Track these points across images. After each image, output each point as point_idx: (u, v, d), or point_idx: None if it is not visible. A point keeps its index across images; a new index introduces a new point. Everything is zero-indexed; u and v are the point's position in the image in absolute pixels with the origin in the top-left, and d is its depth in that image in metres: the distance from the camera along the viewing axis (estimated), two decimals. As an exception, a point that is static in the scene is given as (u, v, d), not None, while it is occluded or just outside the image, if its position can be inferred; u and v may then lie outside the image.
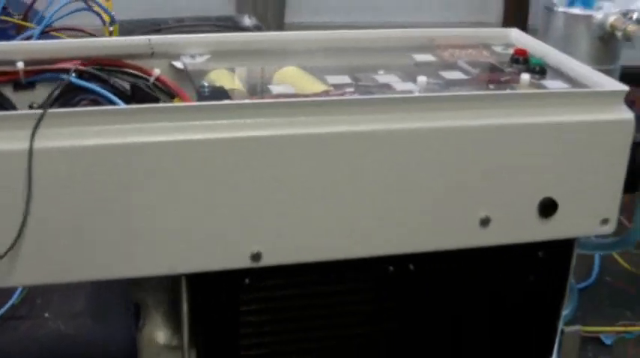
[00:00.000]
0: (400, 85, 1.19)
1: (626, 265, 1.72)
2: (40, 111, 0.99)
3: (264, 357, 1.17)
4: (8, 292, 1.62)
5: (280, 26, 3.02)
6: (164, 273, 1.09)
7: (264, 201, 1.06)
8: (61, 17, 1.54)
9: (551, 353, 1.27)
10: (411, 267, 1.16)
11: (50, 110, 0.99)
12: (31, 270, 1.03)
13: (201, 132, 1.02)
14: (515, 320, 1.24)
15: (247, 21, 2.21)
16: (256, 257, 1.07)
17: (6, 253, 0.99)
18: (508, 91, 1.18)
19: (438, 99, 1.11)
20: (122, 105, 1.08)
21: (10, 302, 1.57)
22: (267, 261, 1.08)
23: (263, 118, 1.04)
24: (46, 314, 1.59)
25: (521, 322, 1.24)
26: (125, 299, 1.60)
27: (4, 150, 0.97)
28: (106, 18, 1.68)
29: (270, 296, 1.13)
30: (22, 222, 0.99)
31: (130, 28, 1.81)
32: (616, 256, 1.73)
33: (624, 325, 1.54)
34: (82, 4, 1.59)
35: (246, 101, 1.10)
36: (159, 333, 1.25)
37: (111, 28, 1.67)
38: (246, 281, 1.11)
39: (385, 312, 1.19)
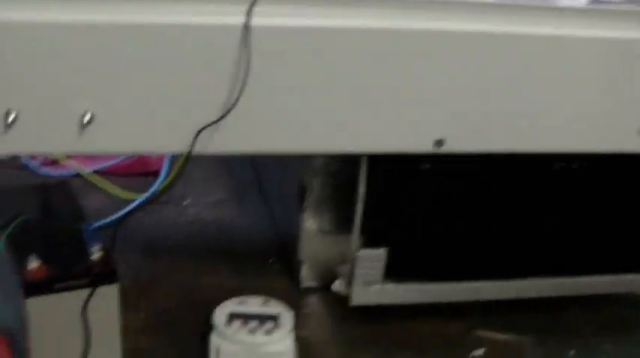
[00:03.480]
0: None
1: None
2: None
3: (433, 241, 1.24)
4: (145, 180, 1.69)
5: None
6: (349, 152, 1.15)
7: (452, 89, 1.11)
8: None
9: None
10: (575, 165, 1.22)
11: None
12: (237, 138, 1.10)
13: (399, 22, 1.08)
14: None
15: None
16: (439, 143, 1.13)
17: (221, 119, 1.05)
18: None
19: (603, 12, 1.16)
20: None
21: (153, 188, 1.63)
22: (449, 147, 1.14)
23: (456, 15, 1.10)
24: (185, 202, 1.65)
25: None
26: (259, 191, 1.67)
27: (222, 24, 1.03)
28: None
29: (445, 183, 1.20)
30: (239, 90, 1.04)
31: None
32: None
33: None
34: None
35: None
36: (320, 217, 1.31)
37: None
38: (426, 166, 1.16)
39: (545, 206, 1.26)
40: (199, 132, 1.06)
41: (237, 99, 1.04)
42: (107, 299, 1.10)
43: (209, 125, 1.06)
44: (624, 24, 1.16)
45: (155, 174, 1.68)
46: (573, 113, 1.17)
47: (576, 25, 1.14)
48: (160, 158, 1.70)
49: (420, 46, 1.08)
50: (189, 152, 1.07)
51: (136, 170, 1.72)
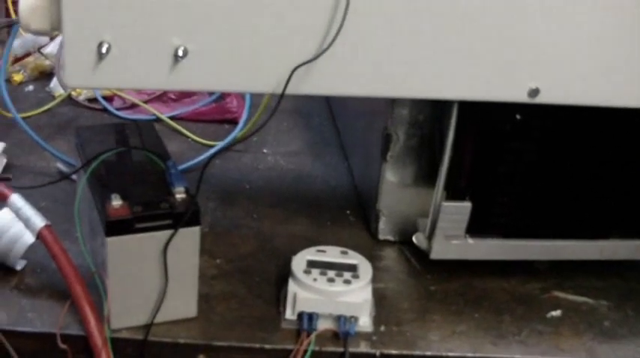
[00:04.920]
0: None
1: None
2: None
3: (519, 196, 1.22)
4: (224, 128, 1.69)
5: None
6: (441, 97, 1.14)
7: (551, 38, 1.09)
8: None
9: None
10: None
11: None
12: (332, 79, 1.09)
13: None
14: None
15: None
16: (534, 93, 1.10)
17: (318, 56, 1.04)
18: None
19: None
20: None
21: (232, 135, 1.63)
22: (544, 98, 1.11)
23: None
24: (265, 150, 1.65)
25: None
26: (338, 144, 1.66)
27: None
28: None
29: (536, 137, 1.17)
30: (338, 26, 1.03)
31: None
32: None
33: None
34: None
35: None
36: (403, 168, 1.30)
37: None
38: (518, 116, 1.14)
39: (633, 163, 1.23)
40: (294, 69, 1.05)
41: (335, 38, 1.03)
42: (188, 241, 1.10)
43: (305, 63, 1.05)
44: None
45: (232, 122, 1.69)
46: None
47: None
48: (239, 106, 1.70)
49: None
50: (284, 90, 1.06)
51: (214, 117, 1.72)
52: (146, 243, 1.08)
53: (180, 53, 1.03)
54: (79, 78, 1.05)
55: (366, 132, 1.42)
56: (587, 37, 1.09)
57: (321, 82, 1.08)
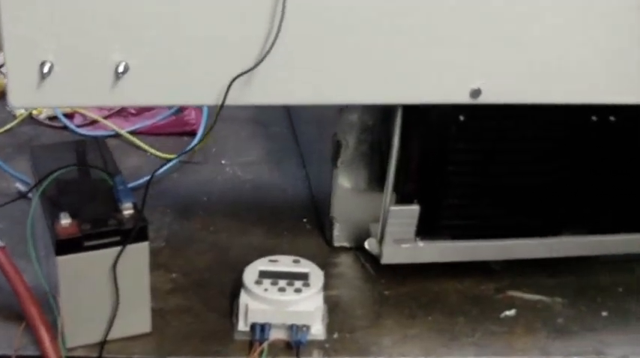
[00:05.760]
0: None
1: None
2: None
3: (466, 197, 1.22)
4: (182, 140, 1.69)
5: None
6: (383, 102, 1.15)
7: (490, 38, 1.09)
8: None
9: None
10: (612, 118, 1.19)
11: None
12: (270, 88, 1.09)
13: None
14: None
15: None
16: (476, 93, 1.11)
17: (256, 66, 1.05)
18: None
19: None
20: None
21: (189, 147, 1.64)
22: (486, 98, 1.12)
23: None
24: (223, 161, 1.65)
25: None
26: (296, 153, 1.66)
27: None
28: None
29: (481, 135, 1.18)
30: (274, 36, 1.04)
31: None
32: None
33: None
34: None
35: None
36: (354, 174, 1.30)
37: None
38: (461, 117, 1.14)
39: (581, 160, 1.24)
40: (233, 81, 1.06)
41: (272, 46, 1.04)
42: (137, 257, 1.10)
43: (243, 73, 1.06)
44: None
45: (192, 134, 1.69)
46: (613, 64, 1.14)
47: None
48: (197, 117, 1.70)
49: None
50: (223, 101, 1.06)
51: (173, 130, 1.72)
52: (96, 261, 1.09)
53: (121, 69, 1.04)
54: (24, 98, 1.05)
55: (319, 139, 1.42)
56: (524, 36, 1.10)
57: (261, 92, 1.08)
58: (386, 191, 1.21)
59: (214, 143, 1.67)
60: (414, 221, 1.20)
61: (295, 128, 1.72)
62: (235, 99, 1.07)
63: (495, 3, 1.08)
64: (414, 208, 1.20)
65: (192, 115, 1.72)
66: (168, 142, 1.69)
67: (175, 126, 1.73)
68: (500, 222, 1.25)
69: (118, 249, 1.08)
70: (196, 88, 1.08)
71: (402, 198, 1.21)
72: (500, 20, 1.09)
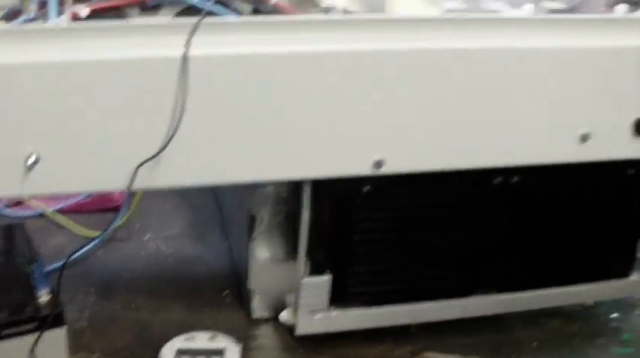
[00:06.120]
0: (508, 11, 1.26)
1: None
2: (195, 19, 1.06)
3: (376, 263, 1.26)
4: (108, 217, 1.71)
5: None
6: (289, 178, 1.18)
7: (388, 112, 1.14)
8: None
9: (631, 268, 1.38)
10: (515, 179, 1.24)
11: (205, 20, 1.06)
12: (176, 172, 1.12)
13: (328, 45, 1.11)
14: (602, 235, 1.34)
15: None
16: (378, 164, 1.15)
17: (159, 152, 1.07)
18: (608, 15, 1.25)
19: (547, 22, 1.19)
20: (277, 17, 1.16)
21: (113, 225, 1.65)
22: (388, 169, 1.16)
23: (391, 33, 1.12)
24: (146, 237, 1.67)
25: (606, 237, 1.34)
26: (218, 223, 1.69)
27: (161, 56, 1.05)
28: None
29: (386, 205, 1.21)
30: (176, 123, 1.07)
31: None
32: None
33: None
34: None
35: (383, 16, 1.19)
36: (270, 246, 1.33)
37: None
38: (367, 188, 1.18)
39: (487, 221, 1.28)
40: (138, 167, 1.08)
41: (174, 132, 1.07)
42: (55, 342, 1.12)
43: (147, 160, 1.08)
44: (566, 33, 1.19)
45: (117, 209, 1.71)
46: (512, 126, 1.20)
47: (518, 35, 1.17)
48: (121, 194, 1.72)
49: (352, 66, 1.11)
50: (129, 188, 1.08)
51: (99, 207, 1.74)
52: (13, 349, 1.09)
53: (32, 160, 1.06)
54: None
55: (239, 211, 1.44)
56: (422, 107, 1.15)
57: (168, 175, 1.11)
58: (299, 262, 1.23)
59: (139, 218, 1.68)
60: (326, 291, 1.23)
61: (219, 199, 1.74)
62: (144, 183, 1.10)
63: (390, 76, 1.12)
64: (325, 278, 1.23)
65: (115, 192, 1.74)
66: (93, 219, 1.70)
67: (99, 204, 1.75)
68: (411, 286, 1.28)
69: (35, 335, 1.09)
70: (104, 176, 1.10)
71: (315, 268, 1.24)
72: (398, 93, 1.13)
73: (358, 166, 1.16)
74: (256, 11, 1.24)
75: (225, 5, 1.22)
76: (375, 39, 1.11)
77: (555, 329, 1.42)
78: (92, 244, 1.55)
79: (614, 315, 1.47)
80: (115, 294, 1.45)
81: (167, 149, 1.08)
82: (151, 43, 1.05)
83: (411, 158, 1.17)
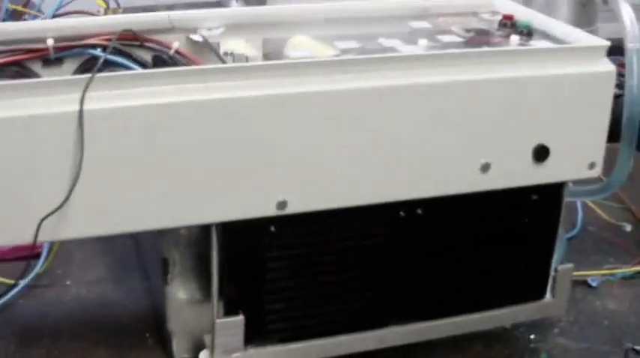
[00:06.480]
0: (404, 47, 1.29)
1: (606, 216, 1.85)
2: (88, 75, 1.08)
3: (289, 301, 1.27)
4: (30, 265, 1.70)
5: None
6: (196, 223, 1.20)
7: (287, 154, 1.16)
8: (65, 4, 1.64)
9: (545, 289, 1.39)
10: (420, 211, 1.26)
11: (98, 74, 1.08)
12: (80, 223, 1.13)
13: (227, 92, 1.13)
14: (514, 260, 1.37)
15: (235, 4, 2.29)
16: (282, 205, 1.17)
17: (61, 206, 1.09)
18: (503, 48, 1.29)
19: (442, 56, 1.23)
20: (166, 68, 1.19)
21: (34, 272, 1.65)
22: (292, 208, 1.18)
23: (290, 77, 1.15)
24: (68, 282, 1.67)
25: (518, 261, 1.37)
26: (139, 265, 1.70)
27: (57, 112, 1.07)
28: (102, 5, 1.79)
29: (294, 242, 1.23)
30: (76, 176, 1.08)
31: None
32: (598, 209, 1.87)
33: (609, 269, 1.67)
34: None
35: (278, 61, 1.22)
36: (186, 287, 1.34)
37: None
38: (272, 228, 1.20)
39: (396, 253, 1.30)
40: (41, 221, 1.09)
41: (74, 185, 1.08)
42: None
43: (49, 214, 1.09)
44: (464, 66, 1.23)
45: (37, 257, 1.70)
46: (413, 160, 1.23)
47: (415, 71, 1.21)
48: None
49: (249, 112, 1.14)
50: (35, 241, 1.10)
51: (18, 254, 1.73)
52: None
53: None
54: None
55: (153, 254, 1.45)
56: (320, 148, 1.18)
57: (74, 227, 1.13)
58: (212, 303, 1.24)
59: (60, 263, 1.68)
60: (241, 330, 1.24)
61: (137, 241, 1.75)
62: (50, 235, 1.12)
63: (288, 119, 1.16)
64: (239, 319, 1.24)
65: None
66: (14, 267, 1.69)
67: (20, 251, 1.74)
68: (326, 320, 1.30)
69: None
70: (11, 230, 1.12)
71: (229, 308, 1.25)
72: (295, 134, 1.16)
73: (262, 208, 1.19)
74: (157, 59, 1.26)
75: (126, 55, 1.24)
76: (273, 84, 1.14)
77: (477, 352, 1.45)
78: (13, 292, 1.54)
79: (533, 336, 1.49)
80: (38, 342, 1.45)
81: (69, 201, 1.09)
82: (45, 99, 1.07)
83: (313, 197, 1.20)
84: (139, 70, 1.18)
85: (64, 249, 1.61)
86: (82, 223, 1.12)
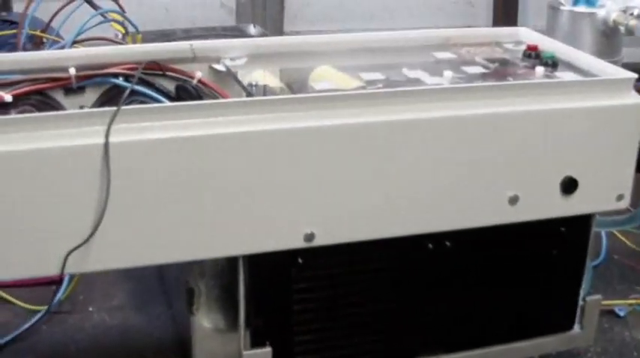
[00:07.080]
0: (429, 79, 1.29)
1: (630, 244, 1.84)
2: (113, 108, 1.08)
3: (316, 332, 1.26)
4: (51, 290, 1.70)
5: (280, 34, 3.11)
6: (224, 255, 1.20)
7: (315, 186, 1.16)
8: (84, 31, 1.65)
9: (574, 320, 1.38)
10: (448, 243, 1.26)
11: (124, 107, 1.08)
12: (106, 256, 1.13)
13: (253, 125, 1.14)
14: (542, 291, 1.36)
15: (252, 30, 2.31)
16: (309, 237, 1.17)
17: (88, 239, 1.08)
18: (531, 81, 1.28)
19: (471, 89, 1.23)
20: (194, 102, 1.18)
21: (57, 298, 1.65)
22: (320, 241, 1.18)
23: (318, 110, 1.15)
24: (90, 308, 1.67)
25: (546, 292, 1.36)
26: (162, 291, 1.69)
27: (83, 144, 1.07)
28: (121, 30, 1.79)
29: (322, 274, 1.23)
30: (102, 209, 1.08)
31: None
32: (622, 237, 1.86)
33: (636, 298, 1.66)
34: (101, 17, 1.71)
35: (305, 95, 1.22)
36: (211, 318, 1.33)
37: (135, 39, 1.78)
38: (300, 260, 1.20)
39: (424, 285, 1.30)
40: (68, 255, 1.09)
41: (101, 218, 1.08)
42: None
43: (77, 248, 1.09)
44: (491, 99, 1.22)
45: (59, 282, 1.70)
46: (441, 193, 1.22)
47: (442, 104, 1.20)
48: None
49: (276, 145, 1.14)
50: (62, 273, 1.10)
51: (39, 280, 1.72)
52: None
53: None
54: None
55: (177, 281, 1.45)
56: (350, 180, 1.18)
57: (100, 260, 1.13)
58: (239, 335, 1.24)
59: (82, 289, 1.68)
60: (269, 362, 1.23)
61: (161, 268, 1.74)
62: (75, 268, 1.12)
63: (316, 152, 1.16)
64: (267, 351, 1.23)
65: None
66: (37, 293, 1.69)
67: (42, 277, 1.73)
68: (355, 351, 1.30)
69: None
70: (36, 262, 1.12)
71: (256, 339, 1.24)
72: (323, 167, 1.17)
73: (290, 240, 1.19)
74: (181, 88, 1.26)
75: (149, 84, 1.24)
76: (297, 117, 1.15)
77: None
78: (37, 318, 1.54)
79: (560, 368, 1.47)
80: (61, 369, 1.44)
81: (96, 235, 1.09)
82: (71, 132, 1.07)
83: (340, 229, 1.20)
84: (166, 103, 1.18)
85: (86, 275, 1.60)
86: (108, 256, 1.12)
